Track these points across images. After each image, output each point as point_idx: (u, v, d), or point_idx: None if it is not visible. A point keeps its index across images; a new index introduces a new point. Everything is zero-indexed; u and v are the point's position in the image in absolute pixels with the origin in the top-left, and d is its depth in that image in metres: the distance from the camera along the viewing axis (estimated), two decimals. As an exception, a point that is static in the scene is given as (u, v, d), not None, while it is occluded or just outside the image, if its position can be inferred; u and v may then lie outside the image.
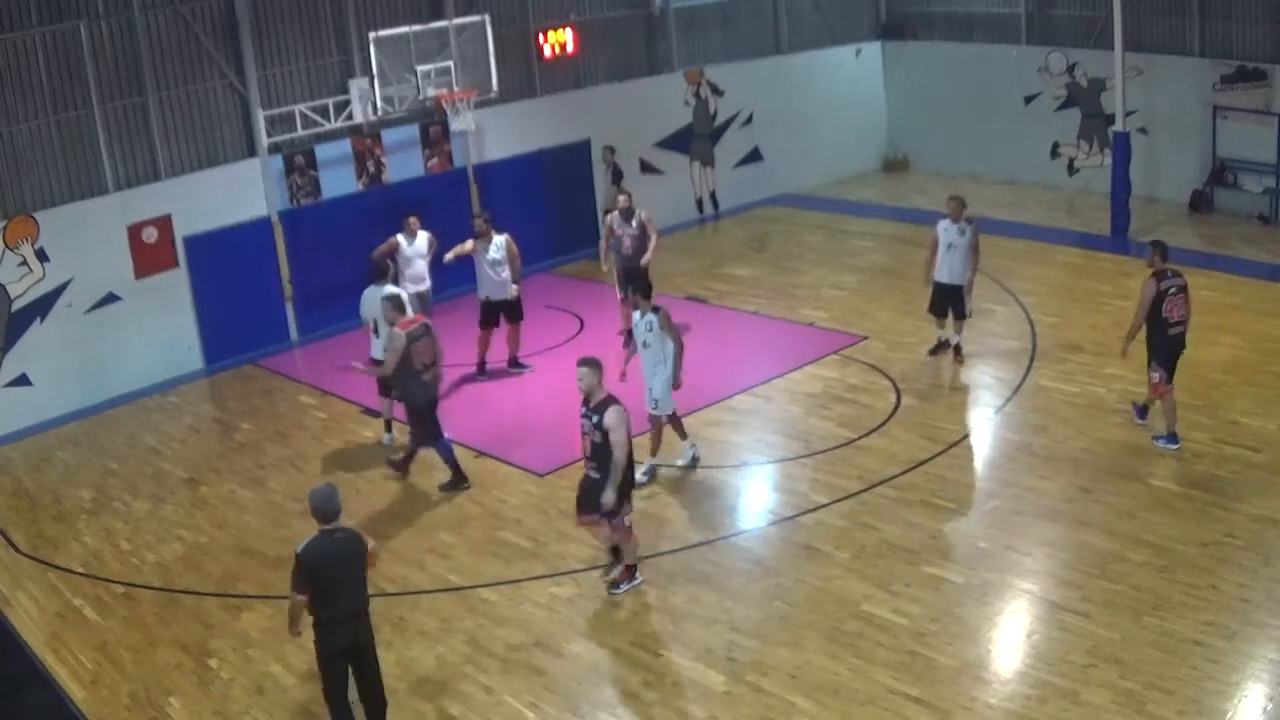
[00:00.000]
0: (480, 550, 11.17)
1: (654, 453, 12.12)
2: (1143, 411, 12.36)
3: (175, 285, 16.21)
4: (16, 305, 14.97)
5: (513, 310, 14.97)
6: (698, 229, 21.62)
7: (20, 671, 9.93)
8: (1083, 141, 21.39)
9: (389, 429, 13.54)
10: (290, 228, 17.17)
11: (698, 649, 9.31)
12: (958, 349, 14.40)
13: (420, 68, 16.59)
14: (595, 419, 9.69)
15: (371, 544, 8.39)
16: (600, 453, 9.73)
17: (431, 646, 9.70)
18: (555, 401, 14.35)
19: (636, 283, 12.26)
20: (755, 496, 11.97)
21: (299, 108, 16.82)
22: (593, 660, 9.36)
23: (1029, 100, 21.77)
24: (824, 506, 11.33)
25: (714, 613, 9.77)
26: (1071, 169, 21.67)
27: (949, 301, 14.20)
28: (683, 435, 12.28)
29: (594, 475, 9.80)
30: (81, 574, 11.40)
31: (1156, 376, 11.81)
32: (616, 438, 9.59)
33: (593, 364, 9.91)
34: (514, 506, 11.92)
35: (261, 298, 17.04)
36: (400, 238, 15.33)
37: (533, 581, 10.53)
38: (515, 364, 15.26)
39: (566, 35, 19.62)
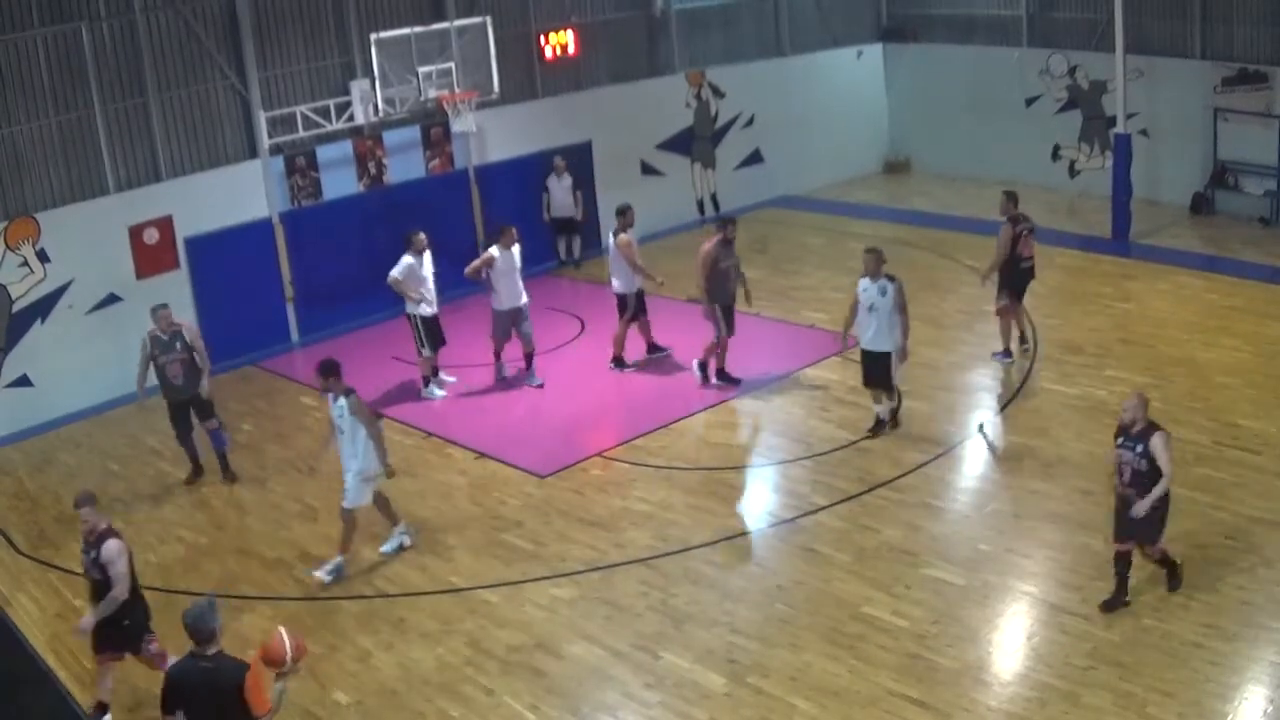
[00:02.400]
0: (481, 552, 11.18)
1: (343, 549, 10.89)
2: (1006, 354, 14.16)
3: (176, 286, 16.19)
4: (18, 306, 14.97)
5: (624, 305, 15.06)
6: (699, 231, 21.58)
7: (21, 672, 9.94)
8: (1084, 144, 21.38)
9: None
10: (291, 229, 17.17)
11: (698, 650, 9.31)
12: (894, 417, 12.69)
13: (421, 69, 16.59)
14: (93, 553, 8.65)
15: (263, 675, 6.85)
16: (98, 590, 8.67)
17: (432, 648, 9.70)
18: (556, 403, 14.38)
19: (323, 366, 10.81)
20: (756, 498, 11.97)
21: (300, 109, 16.82)
22: (593, 662, 9.36)
23: (1030, 102, 21.77)
24: (824, 508, 11.33)
25: (715, 614, 9.77)
26: (1072, 171, 21.66)
27: (878, 372, 12.52)
28: (393, 520, 11.21)
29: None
30: (82, 575, 11.36)
31: (1004, 303, 14.00)
32: (115, 571, 8.58)
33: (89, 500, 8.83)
34: (515, 508, 11.93)
35: (262, 299, 17.04)
36: (409, 257, 14.47)
37: (533, 583, 10.53)
38: (653, 349, 15.31)
39: (568, 37, 19.62)
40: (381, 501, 11.08)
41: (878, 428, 12.69)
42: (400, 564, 11.05)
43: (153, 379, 12.87)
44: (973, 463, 12.27)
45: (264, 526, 12.07)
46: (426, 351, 14.67)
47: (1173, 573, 9.45)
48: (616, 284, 15.03)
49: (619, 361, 15.15)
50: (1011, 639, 9.21)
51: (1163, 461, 8.86)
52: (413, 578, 10.81)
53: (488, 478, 12.65)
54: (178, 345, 12.70)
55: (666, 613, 9.89)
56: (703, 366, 14.34)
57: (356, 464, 10.73)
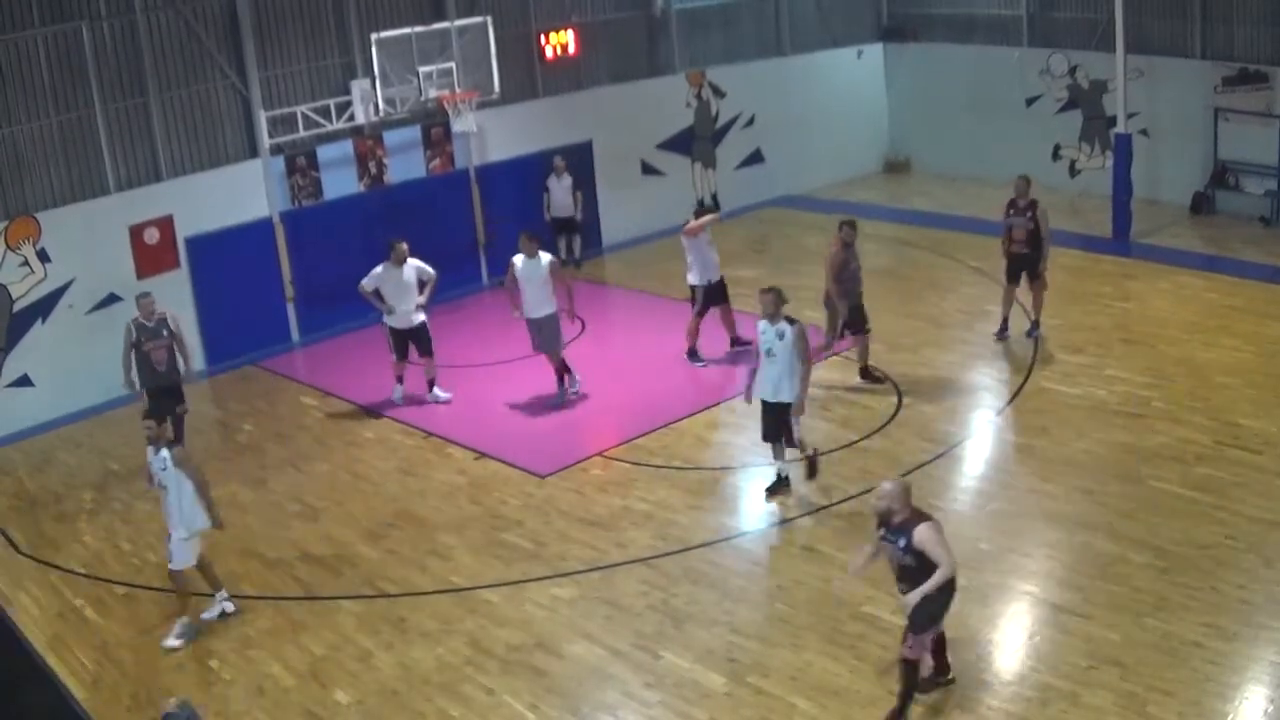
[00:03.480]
0: (481, 551, 11.18)
1: (183, 611, 10.26)
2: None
3: (177, 286, 16.20)
4: (18, 306, 14.98)
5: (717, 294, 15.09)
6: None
7: (22, 672, 9.94)
8: (1084, 143, 21.38)
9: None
10: (292, 229, 17.18)
11: (698, 650, 9.31)
12: (812, 466, 11.61)
13: (422, 69, 16.60)
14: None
15: None
16: None
17: (432, 648, 9.70)
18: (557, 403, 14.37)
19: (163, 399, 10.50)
20: (756, 498, 11.96)
21: (300, 109, 16.83)
22: (593, 661, 9.36)
23: (1030, 102, 21.76)
24: (825, 508, 11.33)
25: (715, 614, 9.77)
26: (1073, 171, 21.66)
27: (777, 426, 11.44)
28: (215, 586, 10.46)
29: None
30: (83, 574, 11.41)
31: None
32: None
33: None
34: (515, 508, 11.93)
35: (263, 298, 17.04)
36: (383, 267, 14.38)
37: (533, 583, 10.53)
38: (736, 342, 15.21)
39: (568, 36, 19.62)
40: (205, 564, 10.31)
41: (778, 486, 11.60)
42: (401, 564, 11.05)
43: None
44: (973, 462, 12.27)
45: (264, 526, 12.07)
46: (395, 358, 14.58)
47: (910, 687, 8.12)
48: (689, 276, 15.04)
49: (693, 354, 15.12)
50: (1012, 638, 9.21)
51: (935, 555, 7.76)
52: (413, 577, 10.81)
53: (488, 477, 12.65)
54: (164, 332, 12.92)
55: (667, 612, 9.89)
56: (865, 372, 14.04)
57: (182, 521, 10.01)
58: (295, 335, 17.49)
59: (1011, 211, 14.95)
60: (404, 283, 14.22)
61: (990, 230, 19.46)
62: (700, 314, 15.05)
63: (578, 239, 19.69)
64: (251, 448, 14.03)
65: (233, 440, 14.36)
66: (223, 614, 10.40)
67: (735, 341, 15.19)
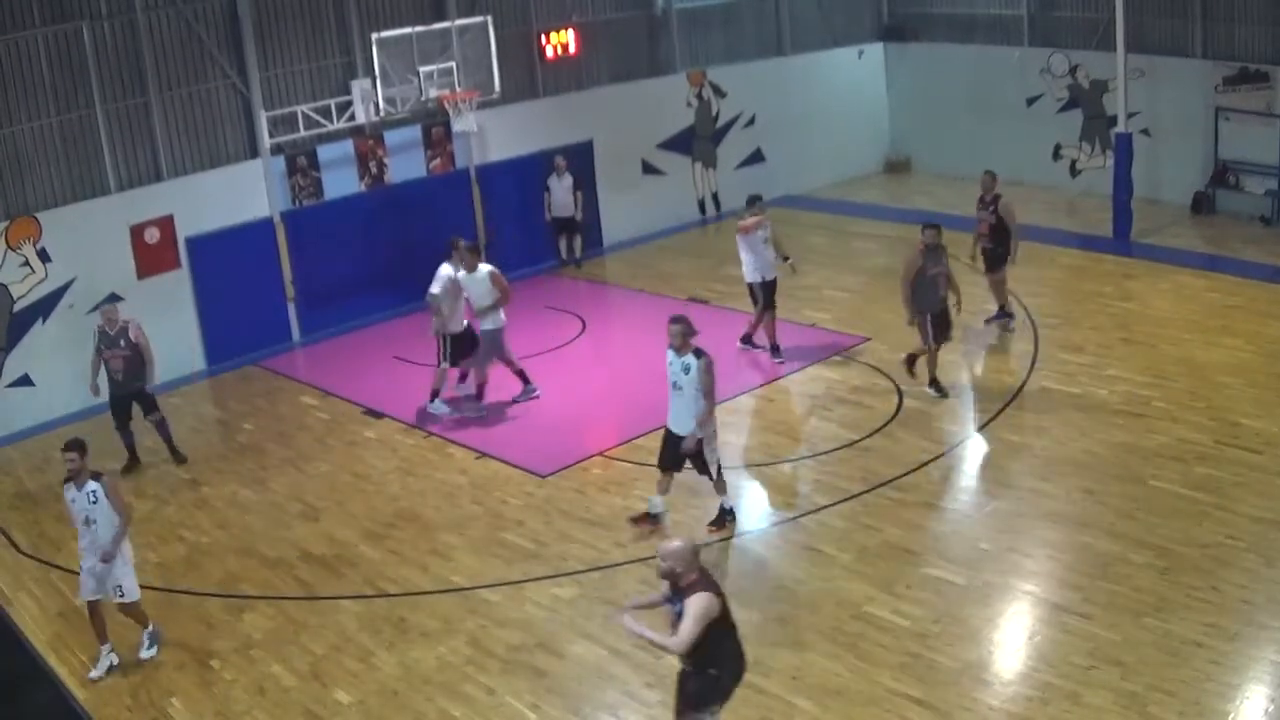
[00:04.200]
0: (482, 551, 11.18)
1: (102, 639, 9.73)
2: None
3: (177, 286, 16.23)
4: (19, 305, 14.98)
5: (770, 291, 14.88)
6: (700, 230, 21.62)
7: (22, 671, 9.94)
8: (1085, 143, 21.38)
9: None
10: (292, 228, 17.18)
11: (699, 650, 9.30)
12: (723, 517, 11.10)
13: (422, 69, 16.60)
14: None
15: None
16: None
17: (433, 647, 9.70)
18: (558, 402, 14.37)
19: (74, 445, 9.60)
20: (757, 497, 11.96)
21: (301, 108, 16.83)
22: (594, 661, 9.36)
23: (1031, 102, 21.77)
24: (826, 508, 11.33)
25: (715, 614, 9.75)
26: (1073, 171, 21.66)
27: (675, 456, 10.81)
28: (103, 638, 9.73)
29: None
30: (83, 574, 11.39)
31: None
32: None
33: None
34: (516, 508, 11.93)
35: (263, 298, 17.04)
36: (448, 267, 13.86)
37: (534, 582, 10.53)
38: (775, 350, 14.97)
39: (568, 36, 19.63)
40: (99, 613, 9.63)
41: (648, 518, 11.19)
42: (402, 564, 11.05)
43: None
44: (974, 462, 12.27)
45: (265, 526, 12.07)
46: (445, 364, 14.20)
47: None
48: (745, 273, 14.92)
49: (748, 340, 15.23)
50: (1013, 638, 9.21)
51: (683, 626, 6.92)
52: (414, 577, 10.81)
53: (489, 477, 12.65)
54: (121, 342, 13.09)
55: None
56: (935, 383, 13.51)
57: (102, 553, 9.40)
58: (296, 335, 17.49)
59: (978, 206, 15.24)
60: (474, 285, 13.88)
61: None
62: (765, 308, 14.84)
63: (578, 238, 19.69)
64: (252, 447, 14.03)
65: (233, 440, 14.37)
66: (111, 667, 9.64)
67: (775, 349, 14.95)
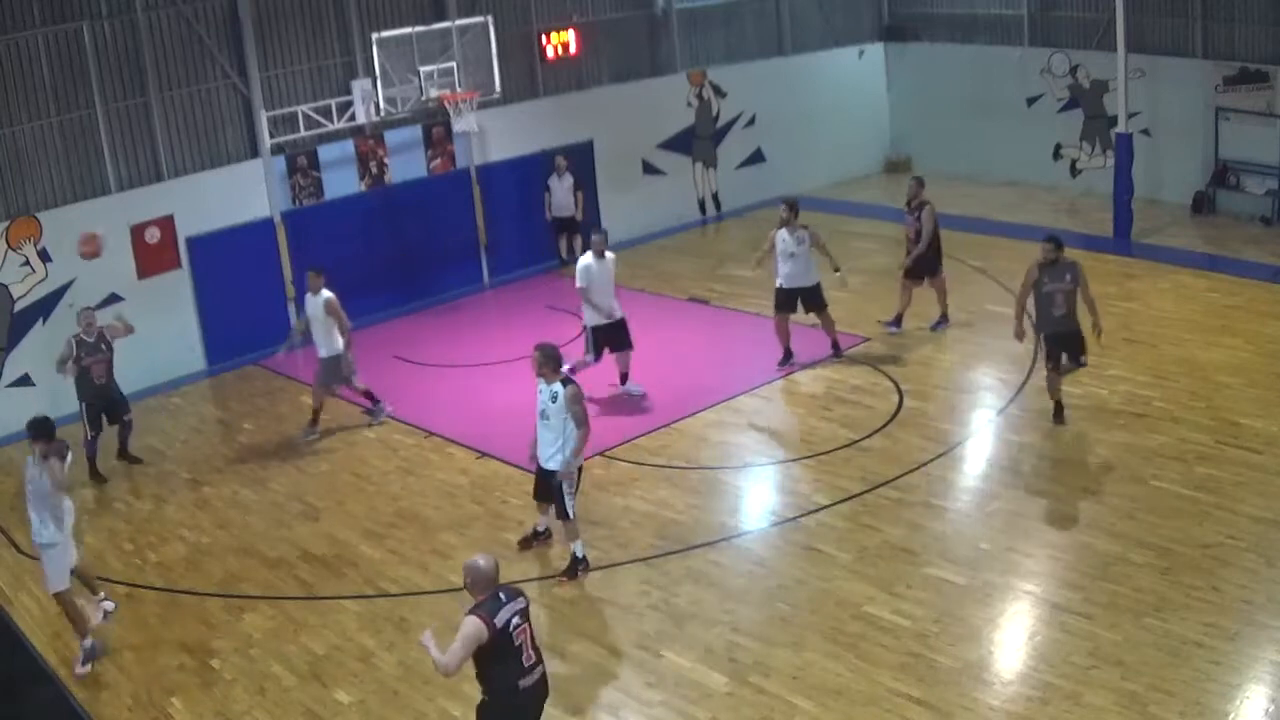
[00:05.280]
0: (482, 551, 11.14)
1: (82, 634, 9.87)
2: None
3: (178, 286, 16.23)
4: (19, 305, 14.98)
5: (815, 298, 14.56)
6: (700, 230, 21.62)
7: (22, 671, 9.94)
8: (1085, 143, 21.38)
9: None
10: (293, 228, 17.18)
11: (699, 650, 9.31)
12: (542, 534, 11.11)
13: (423, 68, 16.60)
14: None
15: None
16: None
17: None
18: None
19: (36, 425, 9.72)
20: (757, 497, 11.97)
21: (302, 108, 16.83)
22: (595, 661, 9.36)
23: (1031, 102, 21.76)
24: (826, 508, 11.33)
25: (716, 614, 9.76)
26: (1074, 170, 21.66)
27: (547, 489, 10.55)
28: (82, 633, 9.81)
29: None
30: (84, 574, 11.39)
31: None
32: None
33: None
34: (516, 507, 11.91)
35: (264, 298, 17.04)
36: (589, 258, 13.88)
37: (535, 582, 10.52)
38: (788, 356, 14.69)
39: (569, 36, 19.62)
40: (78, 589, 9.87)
41: (535, 538, 11.11)
42: (402, 564, 11.05)
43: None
44: (974, 462, 12.27)
45: (265, 526, 12.07)
46: (590, 358, 14.01)
47: None
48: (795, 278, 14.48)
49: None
50: (1013, 638, 9.21)
51: (452, 645, 6.96)
52: (415, 577, 10.81)
53: (489, 477, 12.65)
54: (102, 346, 13.22)
55: (668, 612, 9.88)
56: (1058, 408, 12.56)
57: (51, 535, 9.69)
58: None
59: (906, 211, 15.43)
60: (609, 277, 13.82)
61: (991, 229, 19.53)
62: (824, 313, 14.63)
63: (579, 239, 19.68)
64: (252, 447, 14.03)
65: (233, 440, 14.36)
66: (105, 614, 10.22)
67: (788, 354, 14.71)
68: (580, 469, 10.47)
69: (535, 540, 11.14)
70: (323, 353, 13.84)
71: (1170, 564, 9.77)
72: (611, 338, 14.03)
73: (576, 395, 10.08)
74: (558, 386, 10.08)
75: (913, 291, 15.40)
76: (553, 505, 10.50)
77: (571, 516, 10.34)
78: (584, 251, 19.54)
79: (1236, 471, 11.21)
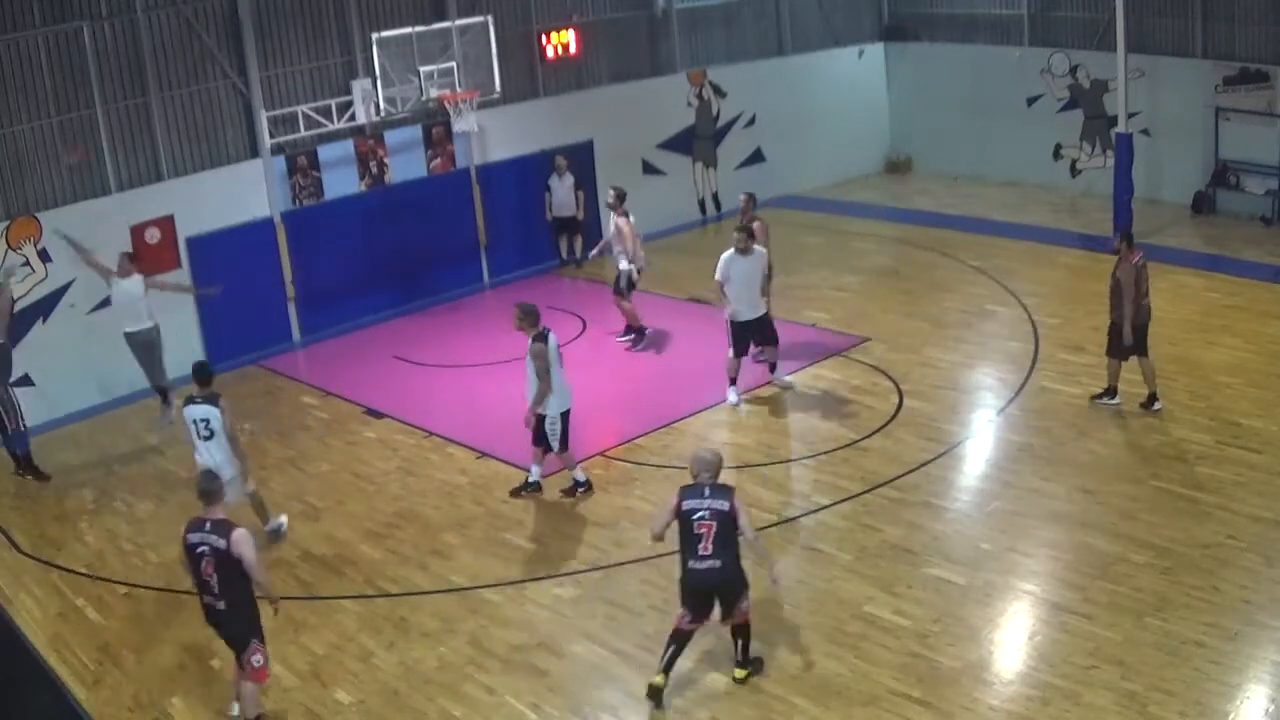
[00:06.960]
0: (482, 551, 11.18)
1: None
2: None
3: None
4: (19, 305, 14.96)
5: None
6: (700, 230, 21.62)
7: (22, 672, 9.94)
8: (1085, 143, 21.38)
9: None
10: (293, 228, 17.17)
11: (699, 650, 9.29)
12: (572, 488, 11.92)
13: (423, 68, 16.59)
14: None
15: None
16: None
17: (434, 647, 9.70)
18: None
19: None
20: (757, 497, 11.95)
21: (302, 108, 16.83)
22: (595, 661, 9.36)
23: (1031, 102, 21.76)
24: (826, 507, 11.33)
25: (715, 613, 9.74)
26: (1074, 170, 21.66)
27: (541, 431, 11.69)
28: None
29: None
30: (84, 574, 11.40)
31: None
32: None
33: None
34: (516, 507, 11.92)
35: (264, 298, 17.03)
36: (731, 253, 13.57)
37: (535, 582, 10.53)
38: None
39: (569, 36, 19.63)
40: None
41: (525, 487, 11.98)
42: (402, 564, 11.05)
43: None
44: (974, 462, 12.27)
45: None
46: (732, 355, 13.82)
47: None
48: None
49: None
50: (1013, 638, 9.22)
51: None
52: (414, 577, 10.81)
53: (489, 477, 12.65)
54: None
55: (668, 612, 9.84)
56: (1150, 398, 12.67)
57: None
58: (296, 335, 17.48)
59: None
60: (753, 271, 13.57)
61: (991, 229, 19.54)
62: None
63: (579, 238, 19.70)
64: (252, 447, 13.96)
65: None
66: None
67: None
68: (565, 414, 11.52)
69: (524, 490, 12.01)
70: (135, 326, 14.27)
71: (1170, 564, 9.78)
72: (754, 333, 13.82)
73: (537, 351, 11.25)
74: (530, 342, 11.24)
75: None
76: (546, 450, 11.67)
77: (561, 449, 11.63)
78: (584, 251, 19.70)
79: (1236, 471, 11.21)
